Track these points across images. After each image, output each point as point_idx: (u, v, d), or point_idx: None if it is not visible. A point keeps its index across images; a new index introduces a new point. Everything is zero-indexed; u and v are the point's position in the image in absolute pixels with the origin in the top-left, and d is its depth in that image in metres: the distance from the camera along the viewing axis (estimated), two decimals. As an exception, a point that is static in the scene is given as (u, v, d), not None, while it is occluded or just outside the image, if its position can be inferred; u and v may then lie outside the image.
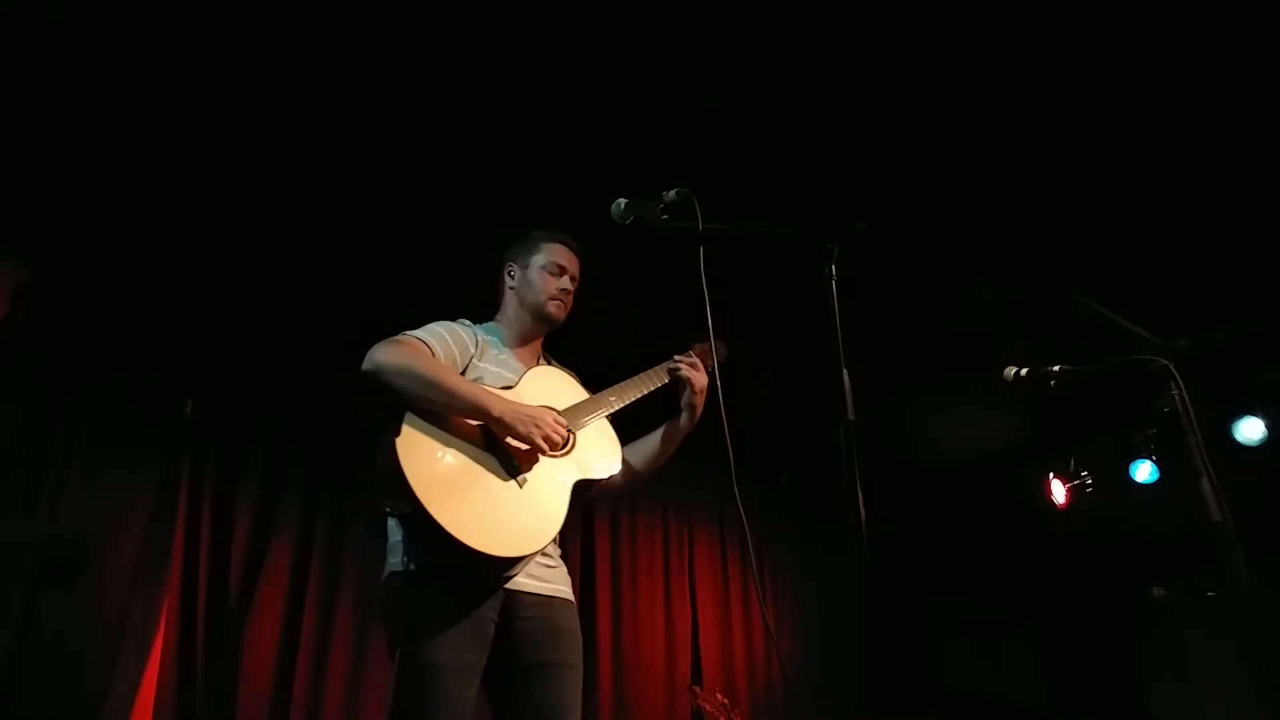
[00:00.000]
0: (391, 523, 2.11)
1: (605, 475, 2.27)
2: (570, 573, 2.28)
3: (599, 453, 2.29)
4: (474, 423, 2.10)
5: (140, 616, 3.67)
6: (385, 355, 2.06)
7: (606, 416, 2.35)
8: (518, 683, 2.05)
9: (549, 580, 2.16)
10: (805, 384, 4.00)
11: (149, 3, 2.75)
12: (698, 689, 4.32)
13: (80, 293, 3.84)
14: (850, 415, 1.60)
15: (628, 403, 2.37)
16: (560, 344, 2.54)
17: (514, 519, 2.04)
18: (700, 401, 2.39)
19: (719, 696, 4.05)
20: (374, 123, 3.23)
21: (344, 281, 3.96)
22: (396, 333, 2.18)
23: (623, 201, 2.00)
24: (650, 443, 2.44)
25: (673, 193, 1.93)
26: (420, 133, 3.27)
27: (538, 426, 2.10)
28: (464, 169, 3.42)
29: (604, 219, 2.02)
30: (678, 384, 2.40)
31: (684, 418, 2.41)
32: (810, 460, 5.29)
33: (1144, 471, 4.86)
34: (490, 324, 2.43)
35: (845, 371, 1.65)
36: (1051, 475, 5.14)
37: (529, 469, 2.12)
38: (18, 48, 2.85)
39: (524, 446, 2.12)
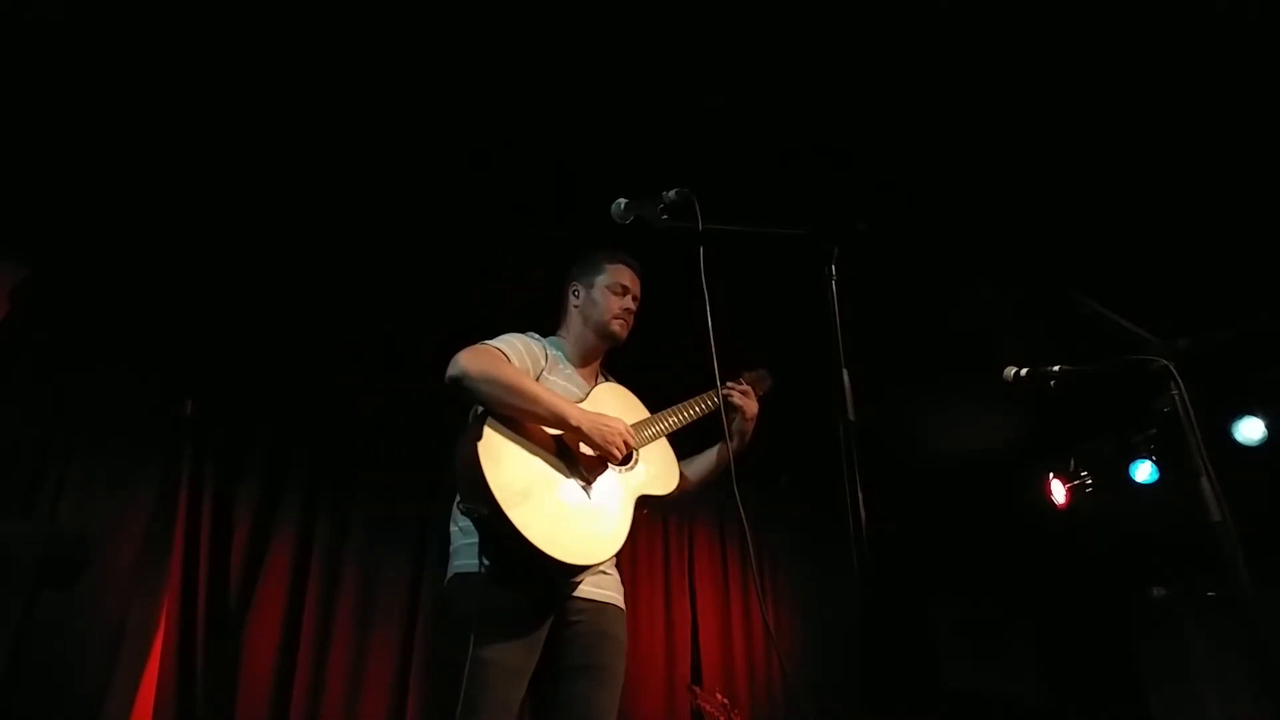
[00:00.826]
0: (455, 527, 2.18)
1: (664, 492, 2.35)
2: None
3: (659, 470, 2.37)
4: (550, 431, 2.17)
5: (140, 616, 3.67)
6: (470, 362, 2.13)
7: (665, 435, 2.42)
8: (558, 683, 2.11)
9: (605, 588, 2.23)
10: (805, 384, 3.99)
11: (149, 2, 2.75)
12: (698, 689, 4.32)
13: (80, 293, 3.84)
14: (850, 415, 1.60)
15: (685, 423, 2.46)
16: (617, 363, 2.61)
17: (584, 528, 2.10)
18: (750, 428, 2.50)
19: (719, 696, 4.05)
20: (373, 122, 3.23)
21: (344, 282, 3.96)
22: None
23: (623, 201, 2.00)
24: (702, 463, 2.55)
25: (673, 193, 1.94)
26: (419, 133, 3.27)
27: (613, 435, 2.19)
28: (464, 169, 3.42)
29: (604, 219, 2.02)
30: (727, 409, 2.47)
31: (735, 443, 2.48)
32: (810, 460, 5.28)
33: (1144, 471, 4.86)
34: (554, 338, 2.49)
35: (845, 371, 1.65)
36: (1051, 475, 5.14)
37: (597, 480, 2.20)
38: (17, 47, 2.85)
39: (595, 456, 2.20)
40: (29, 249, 3.64)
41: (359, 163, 3.39)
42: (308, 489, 4.22)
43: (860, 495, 1.54)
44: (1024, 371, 2.12)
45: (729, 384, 2.51)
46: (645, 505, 2.32)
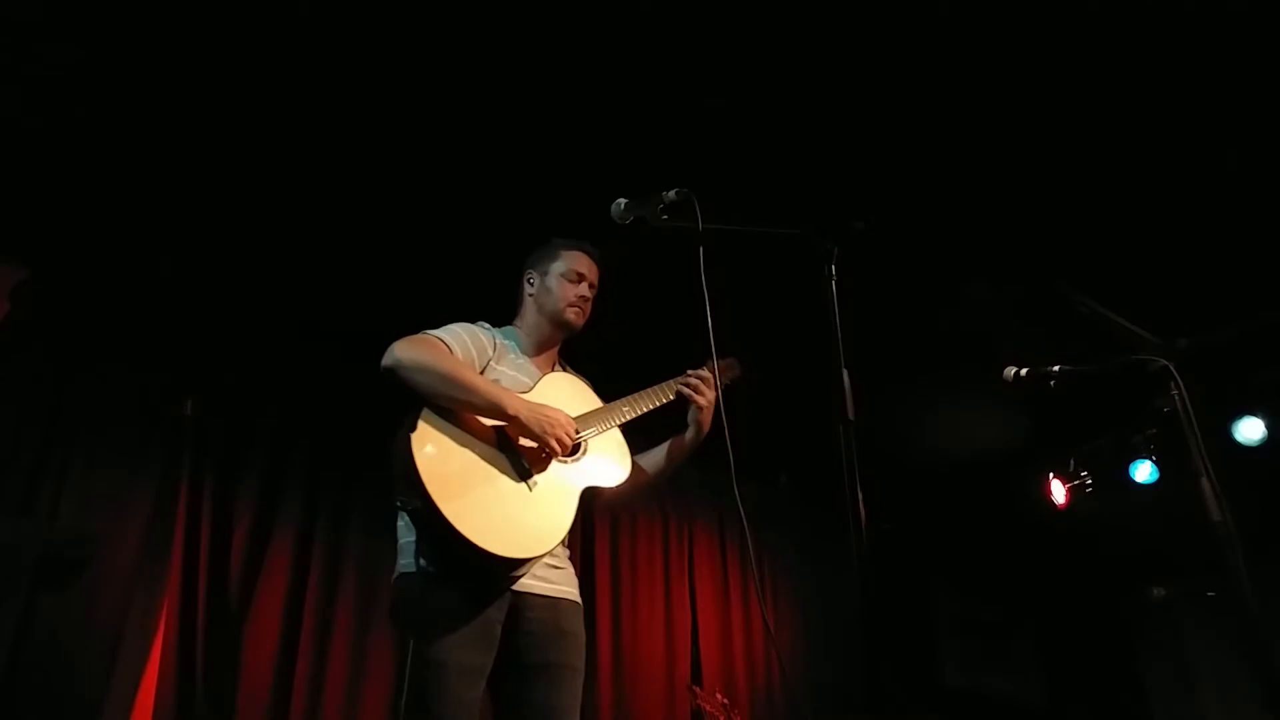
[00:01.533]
0: (402, 523, 2.12)
1: (613, 484, 2.29)
2: (571, 573, 2.29)
3: (609, 461, 2.31)
4: (489, 423, 2.12)
5: (140, 616, 3.67)
6: (405, 351, 2.08)
7: (618, 426, 2.37)
8: (519, 683, 2.07)
9: (556, 582, 2.17)
10: (805, 384, 3.99)
11: (149, 2, 2.75)
12: (698, 689, 4.32)
13: (79, 292, 3.84)
14: (850, 415, 1.60)
15: (639, 414, 2.39)
16: (574, 352, 2.56)
17: (522, 520, 2.05)
18: (706, 419, 2.41)
19: (719, 696, 4.05)
20: (373, 122, 3.23)
21: (344, 281, 3.96)
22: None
23: (623, 201, 2.00)
24: (658, 455, 2.48)
25: (672, 193, 1.94)
26: (419, 132, 3.27)
27: (552, 427, 2.12)
28: (463, 169, 3.42)
29: (604, 219, 2.02)
30: (685, 398, 2.42)
31: (690, 433, 2.44)
32: (810, 460, 5.29)
33: (1144, 471, 4.86)
34: (509, 328, 2.45)
35: (845, 371, 1.65)
36: (1051, 475, 5.14)
37: (540, 472, 2.14)
38: (17, 47, 2.85)
39: (536, 447, 2.14)
40: (29, 249, 3.64)
41: (359, 162, 3.39)
42: (308, 488, 4.22)
43: (860, 495, 1.53)
44: (1024, 371, 2.12)
45: (689, 372, 2.43)
46: (596, 498, 2.26)
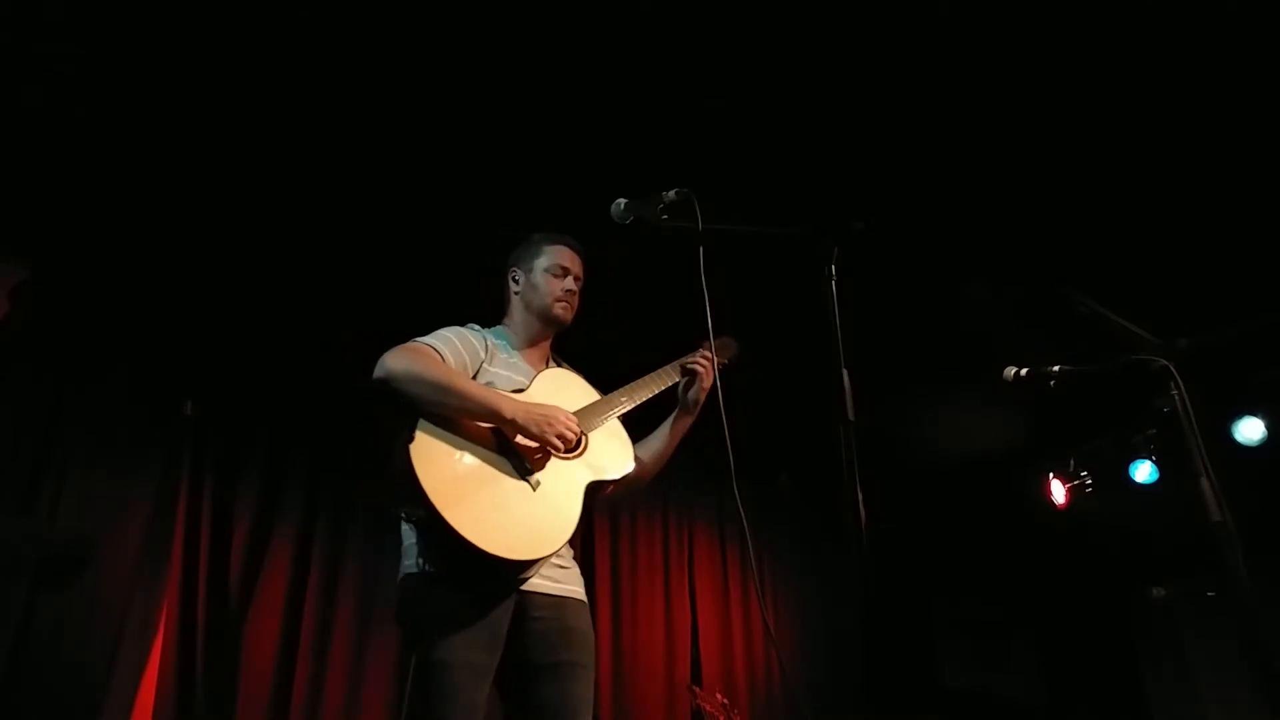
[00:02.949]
0: (405, 526, 2.11)
1: (618, 476, 2.27)
2: (571, 573, 2.28)
3: (611, 453, 2.29)
4: (486, 426, 2.10)
5: (140, 616, 3.67)
6: (396, 362, 2.06)
7: (618, 417, 2.35)
8: (529, 682, 2.06)
9: (562, 581, 2.17)
10: (805, 384, 4.00)
11: (150, 2, 2.75)
12: (698, 689, 4.32)
13: (80, 293, 3.84)
14: (850, 415, 1.60)
15: (638, 403, 2.38)
16: (566, 345, 2.55)
17: (528, 522, 2.04)
18: (703, 398, 2.41)
19: (719, 696, 4.05)
20: (373, 123, 3.23)
21: (343, 281, 3.96)
22: (397, 334, 2.18)
23: (622, 201, 2.00)
24: (658, 440, 2.46)
25: (672, 193, 1.94)
26: (419, 133, 3.27)
27: (550, 425, 2.11)
28: (463, 169, 3.42)
29: (604, 219, 2.02)
30: (688, 378, 2.42)
31: (683, 414, 2.43)
32: (810, 460, 5.29)
33: (1144, 471, 4.86)
34: (498, 328, 2.43)
35: (845, 371, 1.65)
36: (1051, 475, 5.14)
37: (542, 471, 2.13)
38: (17, 47, 2.85)
39: (536, 447, 2.13)
40: (29, 249, 3.64)
41: (359, 163, 3.39)
42: (308, 489, 4.22)
43: (860, 495, 1.53)
44: (1024, 371, 2.11)
45: (689, 354, 2.44)
46: (602, 491, 2.25)
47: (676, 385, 2.44)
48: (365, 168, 3.41)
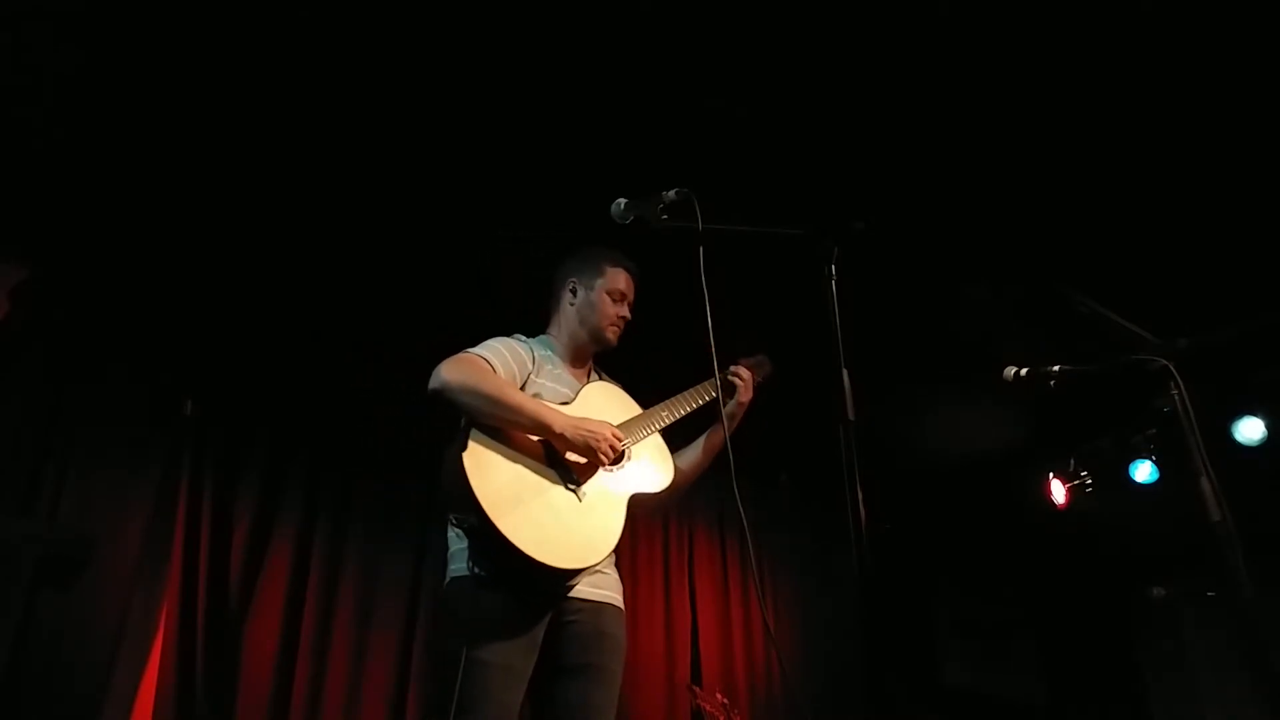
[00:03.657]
0: (453, 533, 2.17)
1: (659, 489, 2.33)
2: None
3: (653, 467, 2.35)
4: (535, 438, 2.16)
5: (140, 616, 3.67)
6: (451, 374, 2.13)
7: (659, 430, 2.41)
8: (556, 682, 2.11)
9: (602, 587, 2.22)
10: (805, 384, 4.00)
11: (150, 4, 2.75)
12: (698, 689, 4.32)
13: (80, 292, 3.84)
14: (850, 415, 1.60)
15: (678, 417, 2.44)
16: (608, 357, 2.59)
17: (575, 532, 2.11)
18: (741, 414, 2.49)
19: (719, 696, 4.05)
20: (372, 123, 3.23)
21: (343, 282, 3.96)
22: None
23: (622, 201, 2.00)
24: (693, 452, 2.53)
25: (672, 193, 1.94)
26: (419, 133, 3.27)
27: (598, 441, 2.17)
28: (463, 169, 3.42)
29: (604, 219, 2.02)
30: (725, 391, 2.46)
31: (725, 426, 2.45)
32: (810, 460, 5.28)
33: (1144, 471, 4.86)
34: (544, 338, 2.47)
35: (845, 371, 1.65)
36: (1051, 475, 5.14)
37: (587, 483, 2.19)
38: (17, 47, 2.85)
39: (584, 461, 2.19)
40: (29, 249, 3.64)
41: (359, 163, 3.39)
42: (308, 489, 4.22)
43: (860, 495, 1.53)
44: (1024, 371, 2.12)
45: (732, 367, 2.51)
46: (643, 504, 2.31)
47: (713, 400, 2.47)
48: (365, 167, 3.41)
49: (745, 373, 2.49)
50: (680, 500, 2.68)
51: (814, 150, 3.37)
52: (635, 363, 2.62)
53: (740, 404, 2.47)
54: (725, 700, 4.02)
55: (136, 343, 3.99)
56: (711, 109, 3.17)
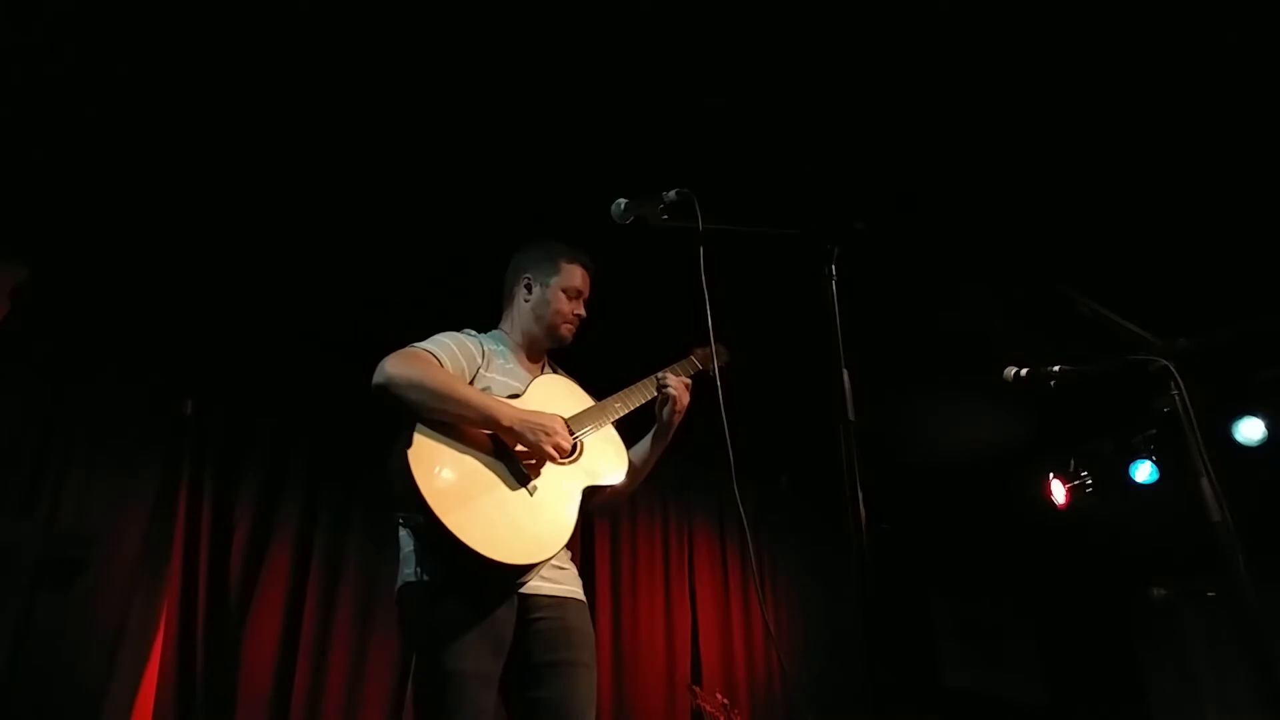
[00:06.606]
0: (404, 533, 2.11)
1: (613, 481, 2.29)
2: (570, 573, 2.29)
3: (606, 459, 2.31)
4: (485, 432, 2.12)
5: (140, 617, 3.67)
6: (395, 368, 2.07)
7: (611, 423, 2.36)
8: (531, 682, 2.07)
9: (561, 582, 2.18)
10: (805, 384, 4.00)
11: (149, 2, 2.75)
12: (698, 689, 4.32)
13: (79, 293, 3.84)
14: (850, 415, 1.60)
15: (632, 408, 2.39)
16: (560, 350, 2.54)
17: (526, 526, 2.06)
18: (676, 421, 2.41)
19: (719, 696, 4.06)
20: (372, 122, 3.23)
21: (343, 282, 3.96)
22: (396, 333, 2.18)
23: (623, 201, 2.00)
24: (643, 446, 2.47)
25: (673, 193, 1.94)
26: (419, 132, 3.27)
27: (547, 434, 2.13)
28: (463, 170, 3.42)
29: (604, 219, 2.02)
30: (662, 398, 2.41)
31: (663, 430, 2.42)
32: (810, 460, 5.28)
33: (1144, 471, 4.86)
34: (496, 332, 2.44)
35: (845, 371, 1.65)
36: (1051, 475, 5.14)
37: (539, 476, 2.15)
38: (17, 47, 2.85)
39: (534, 454, 2.14)
40: (29, 249, 3.64)
41: (359, 161, 3.39)
42: (308, 488, 4.22)
43: (860, 495, 1.53)
44: (1024, 371, 2.12)
45: (664, 370, 2.43)
46: (597, 496, 2.26)
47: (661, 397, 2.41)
48: (365, 167, 3.41)
49: (673, 379, 2.41)
50: (650, 496, 2.61)
51: (814, 150, 3.37)
52: (590, 356, 2.56)
53: (676, 410, 2.39)
54: (725, 700, 4.03)
55: (136, 343, 3.99)
56: (711, 109, 3.17)
